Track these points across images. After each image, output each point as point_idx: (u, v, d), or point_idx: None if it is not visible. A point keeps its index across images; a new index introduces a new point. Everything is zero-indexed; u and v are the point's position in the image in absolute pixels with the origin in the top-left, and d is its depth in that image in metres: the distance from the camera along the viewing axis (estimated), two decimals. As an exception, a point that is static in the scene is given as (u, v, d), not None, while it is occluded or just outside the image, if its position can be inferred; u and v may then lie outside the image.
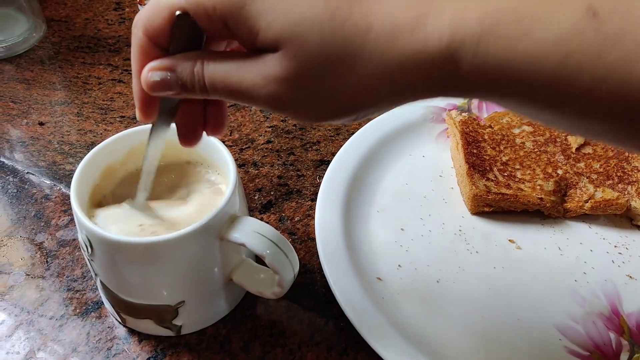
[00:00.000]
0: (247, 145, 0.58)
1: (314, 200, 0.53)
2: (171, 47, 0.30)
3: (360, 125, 0.57)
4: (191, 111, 0.33)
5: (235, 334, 0.43)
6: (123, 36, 0.72)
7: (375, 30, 0.26)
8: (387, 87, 0.27)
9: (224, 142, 0.45)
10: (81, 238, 0.38)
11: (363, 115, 0.29)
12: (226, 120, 0.35)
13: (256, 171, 0.55)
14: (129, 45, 0.71)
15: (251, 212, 0.51)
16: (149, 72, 0.30)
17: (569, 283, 0.46)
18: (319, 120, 0.29)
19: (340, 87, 0.27)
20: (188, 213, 0.39)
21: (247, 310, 0.44)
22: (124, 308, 0.41)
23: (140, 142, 0.43)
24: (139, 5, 0.76)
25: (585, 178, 0.51)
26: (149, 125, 0.43)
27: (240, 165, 0.56)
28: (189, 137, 0.34)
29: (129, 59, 0.69)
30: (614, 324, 0.43)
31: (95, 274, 0.40)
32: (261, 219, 0.46)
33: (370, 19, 0.26)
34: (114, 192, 0.43)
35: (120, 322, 0.43)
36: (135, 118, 0.60)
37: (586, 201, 0.49)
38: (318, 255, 0.46)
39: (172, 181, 0.43)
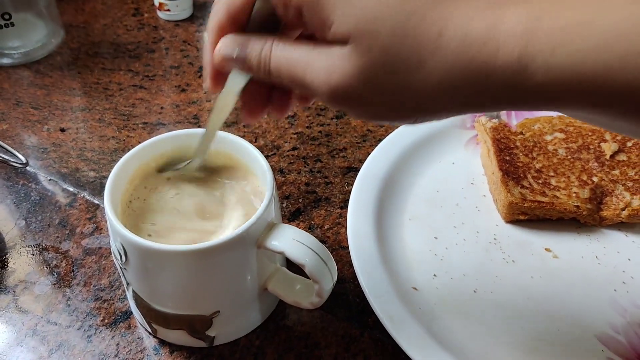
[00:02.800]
0: (272, 152, 0.57)
1: (343, 207, 0.51)
2: (248, 27, 0.30)
3: (387, 132, 0.56)
4: (258, 91, 0.33)
5: (269, 345, 0.41)
6: (143, 42, 0.71)
7: (446, 38, 0.25)
8: (452, 95, 0.26)
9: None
10: (114, 246, 0.37)
11: (422, 120, 0.28)
12: (291, 105, 0.35)
13: (283, 178, 0.54)
14: (149, 51, 0.70)
15: (279, 220, 0.50)
16: (222, 45, 0.30)
17: (608, 293, 0.45)
18: (377, 120, 0.29)
19: (405, 89, 0.26)
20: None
21: (280, 320, 0.43)
22: (155, 318, 0.40)
23: (172, 147, 0.42)
24: (157, 12, 0.75)
25: (621, 186, 0.49)
26: (178, 131, 0.42)
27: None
28: (251, 113, 0.34)
29: (149, 65, 0.68)
30: (658, 335, 0.42)
31: (128, 283, 0.39)
32: (291, 227, 0.45)
33: (442, 25, 0.25)
34: (145, 197, 0.42)
35: (150, 333, 0.42)
36: (158, 124, 0.60)
37: (623, 209, 0.48)
38: (350, 264, 0.45)
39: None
